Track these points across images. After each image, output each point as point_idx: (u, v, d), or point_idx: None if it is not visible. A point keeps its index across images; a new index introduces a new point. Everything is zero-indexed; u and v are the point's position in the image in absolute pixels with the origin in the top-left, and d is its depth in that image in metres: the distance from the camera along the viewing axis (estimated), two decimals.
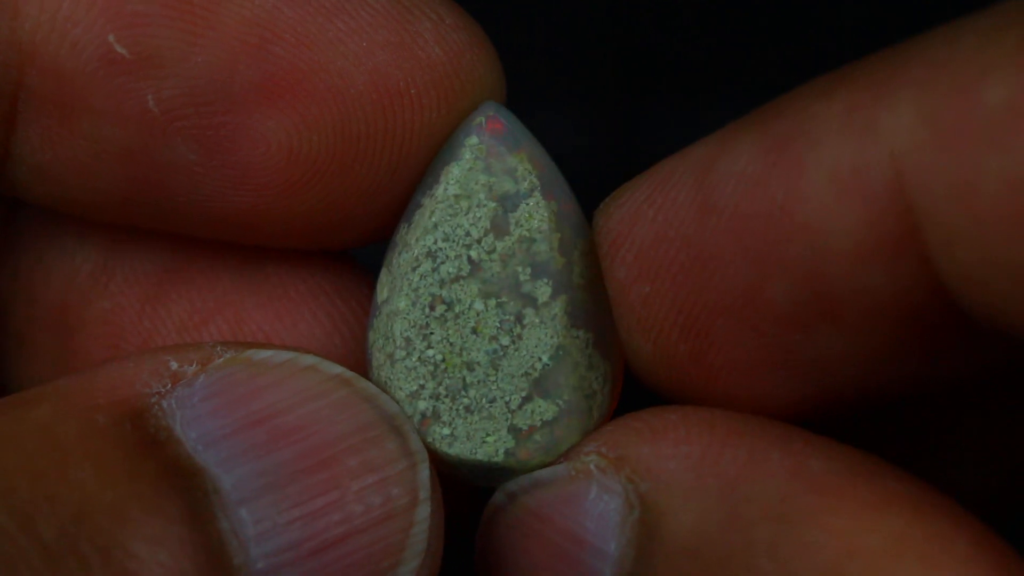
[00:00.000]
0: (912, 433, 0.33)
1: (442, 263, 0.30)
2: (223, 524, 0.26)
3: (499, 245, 0.30)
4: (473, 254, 0.30)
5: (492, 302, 0.30)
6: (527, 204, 0.30)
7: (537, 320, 0.30)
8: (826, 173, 0.26)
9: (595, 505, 0.28)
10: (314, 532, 0.26)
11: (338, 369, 0.27)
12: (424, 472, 0.27)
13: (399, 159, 0.30)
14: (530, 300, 0.30)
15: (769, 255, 0.27)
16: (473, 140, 0.30)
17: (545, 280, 0.30)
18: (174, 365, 0.27)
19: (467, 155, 0.30)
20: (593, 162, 0.31)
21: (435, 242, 0.30)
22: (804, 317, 0.27)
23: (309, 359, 0.27)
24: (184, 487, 0.26)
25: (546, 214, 0.30)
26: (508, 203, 0.30)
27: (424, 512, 0.27)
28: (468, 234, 0.30)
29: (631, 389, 0.31)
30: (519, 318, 0.30)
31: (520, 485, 0.29)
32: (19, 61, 0.29)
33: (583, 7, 0.42)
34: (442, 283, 0.30)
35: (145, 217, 0.31)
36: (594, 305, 0.30)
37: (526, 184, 0.30)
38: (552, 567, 0.28)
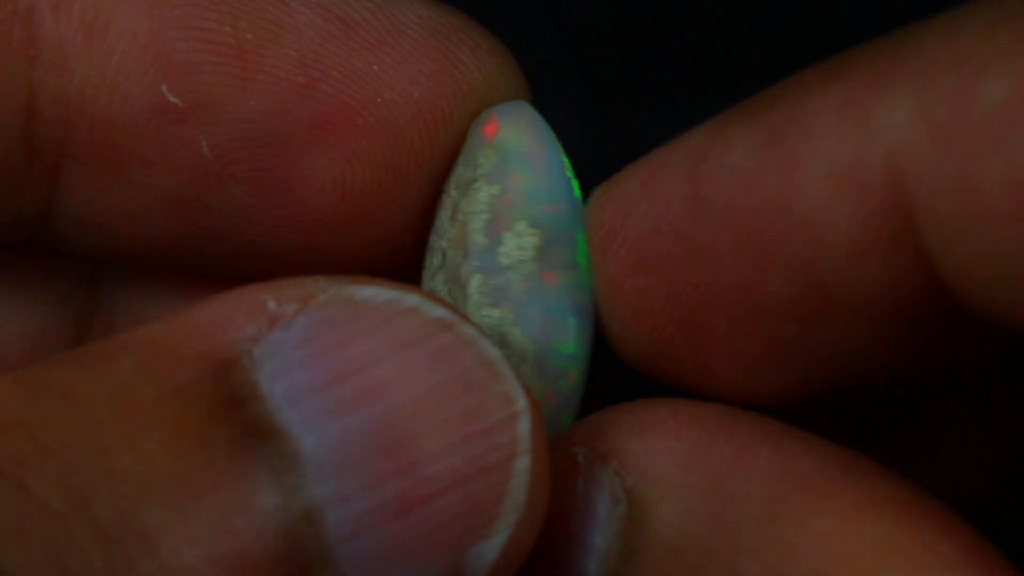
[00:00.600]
0: (907, 422, 0.33)
1: (431, 256, 0.31)
2: (301, 488, 0.24)
3: (452, 232, 0.30)
4: (444, 243, 0.30)
5: (446, 289, 0.30)
6: (472, 188, 0.30)
7: (461, 303, 0.30)
8: (822, 169, 0.25)
9: (582, 498, 0.28)
10: (402, 491, 0.25)
11: (440, 311, 0.26)
12: (524, 423, 0.25)
13: (441, 181, 0.31)
14: (461, 284, 0.30)
15: (765, 250, 0.26)
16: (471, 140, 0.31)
17: (470, 261, 0.30)
18: (272, 305, 0.26)
19: (460, 155, 0.31)
20: (594, 161, 0.31)
21: (431, 236, 0.31)
22: (801, 311, 0.27)
23: (412, 299, 0.26)
24: (262, 451, 0.24)
25: (482, 196, 0.30)
26: (464, 191, 0.30)
27: (523, 464, 0.25)
28: (442, 225, 0.31)
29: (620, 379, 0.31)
30: (455, 301, 0.30)
31: None
32: (66, 115, 0.29)
33: (584, 6, 0.42)
34: (432, 276, 0.31)
35: (195, 262, 0.31)
36: (523, 283, 0.30)
37: (480, 171, 0.30)
38: (537, 560, 0.28)
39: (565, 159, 0.31)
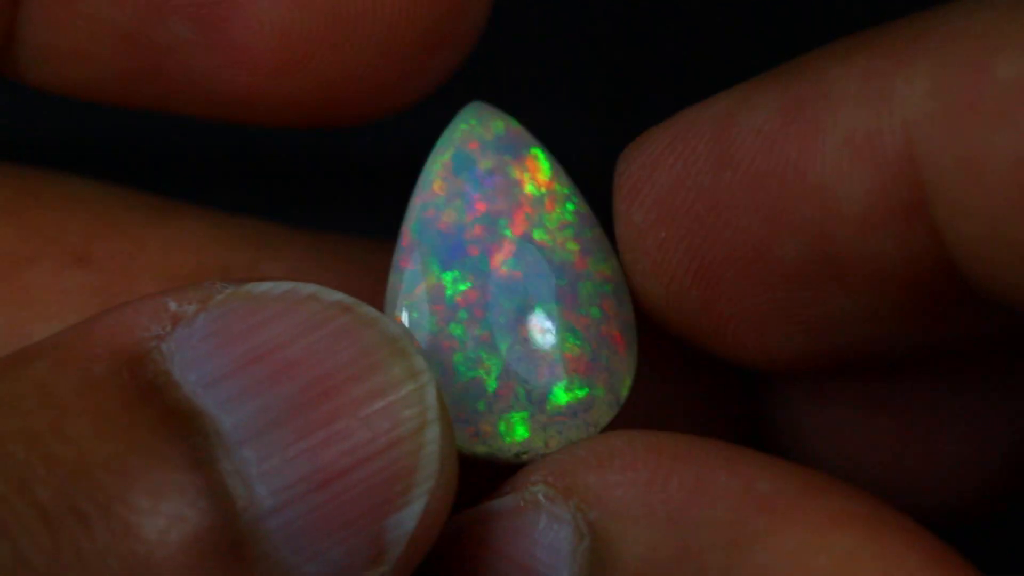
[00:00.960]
0: (913, 396, 0.33)
1: None
2: (226, 466, 0.25)
3: None
4: None
5: None
6: None
7: None
8: (841, 136, 0.26)
9: (545, 535, 0.28)
10: (322, 464, 0.25)
11: (338, 296, 0.27)
12: (431, 393, 0.26)
13: (387, 41, 0.31)
14: None
15: (781, 213, 0.27)
16: None
17: None
18: (173, 306, 0.26)
19: None
20: (596, 162, 0.31)
21: None
22: (812, 276, 0.27)
23: (309, 288, 0.27)
24: (184, 432, 0.25)
25: None
26: None
27: (434, 432, 0.26)
28: None
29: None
30: None
31: (470, 516, 0.29)
32: None
33: (584, 7, 0.42)
34: None
35: (143, 99, 0.32)
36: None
37: None
38: None
39: (458, 154, 0.31)
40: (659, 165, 0.29)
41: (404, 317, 0.30)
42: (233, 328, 0.26)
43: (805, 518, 0.26)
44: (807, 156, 0.26)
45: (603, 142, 0.39)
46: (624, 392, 0.30)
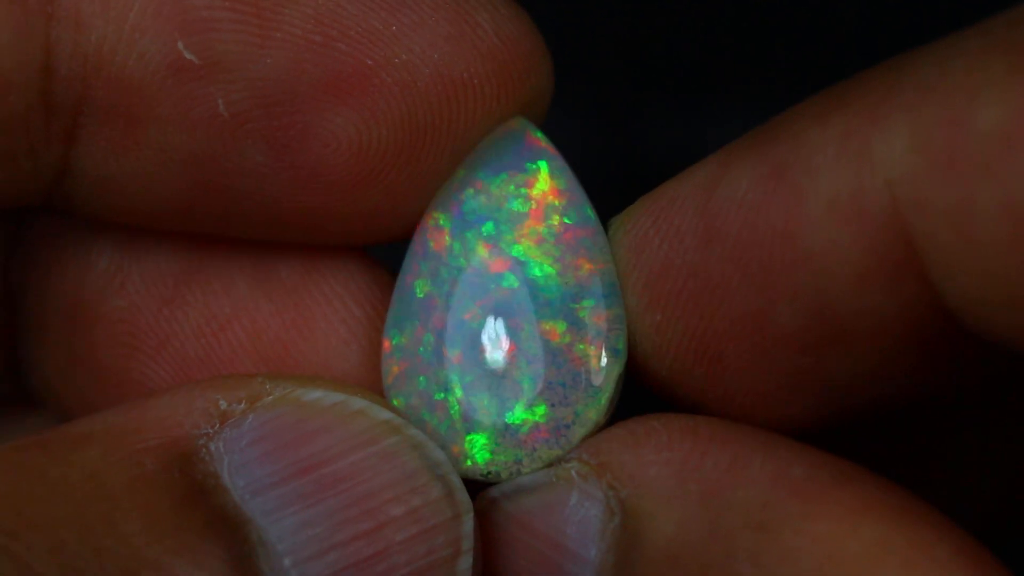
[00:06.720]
0: (915, 444, 0.34)
1: None
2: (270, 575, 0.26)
3: None
4: None
5: None
6: None
7: None
8: (824, 201, 0.26)
9: (576, 511, 0.28)
10: None
11: (387, 415, 0.27)
12: (468, 523, 0.27)
13: (461, 146, 0.30)
14: None
15: (774, 281, 0.27)
16: None
17: None
18: (223, 404, 0.27)
19: None
20: (601, 164, 0.31)
21: None
22: (812, 340, 0.27)
23: (358, 403, 0.27)
24: (230, 538, 0.26)
25: None
26: None
27: (466, 563, 0.27)
28: None
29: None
30: None
31: (501, 491, 0.29)
32: (83, 73, 0.29)
33: (590, 10, 0.42)
34: None
35: (208, 223, 0.31)
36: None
37: None
38: (533, 573, 0.28)
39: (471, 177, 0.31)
40: (645, 247, 0.29)
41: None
42: (282, 436, 0.27)
43: (838, 505, 0.26)
44: (793, 223, 0.26)
45: (606, 141, 0.39)
46: (600, 409, 0.29)
